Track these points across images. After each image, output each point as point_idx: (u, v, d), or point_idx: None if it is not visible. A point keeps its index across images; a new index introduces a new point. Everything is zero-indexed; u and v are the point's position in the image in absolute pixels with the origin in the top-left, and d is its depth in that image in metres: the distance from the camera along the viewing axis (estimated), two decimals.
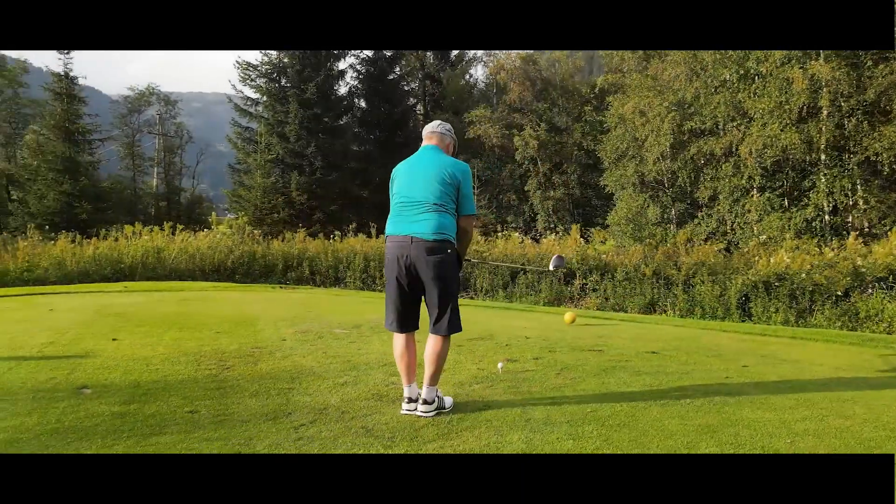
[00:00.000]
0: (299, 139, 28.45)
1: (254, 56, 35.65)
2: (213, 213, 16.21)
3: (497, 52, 33.04)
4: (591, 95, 30.67)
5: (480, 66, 36.81)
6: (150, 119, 42.84)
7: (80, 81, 30.19)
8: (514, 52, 31.81)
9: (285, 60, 29.42)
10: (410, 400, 3.74)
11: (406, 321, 3.81)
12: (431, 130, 3.98)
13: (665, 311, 11.04)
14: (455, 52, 36.97)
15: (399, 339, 3.83)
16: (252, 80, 29.59)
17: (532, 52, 32.00)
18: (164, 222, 15.38)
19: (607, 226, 22.27)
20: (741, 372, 5.04)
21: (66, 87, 28.79)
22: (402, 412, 3.73)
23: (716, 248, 13.56)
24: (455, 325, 3.74)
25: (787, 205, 18.87)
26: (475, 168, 29.45)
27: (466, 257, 4.24)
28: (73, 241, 14.13)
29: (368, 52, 32.74)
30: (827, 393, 4.37)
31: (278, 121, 28.84)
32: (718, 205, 20.92)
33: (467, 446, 3.22)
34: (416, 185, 3.72)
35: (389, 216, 3.84)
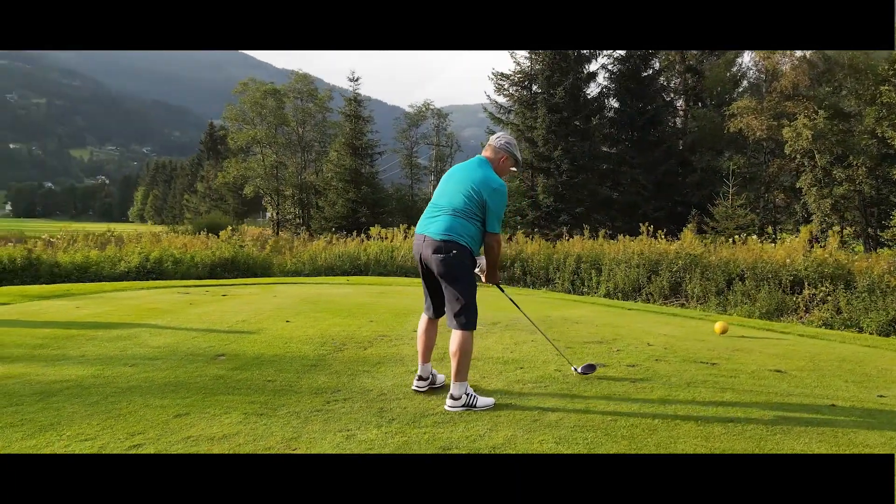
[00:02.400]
0: (546, 143, 29.14)
1: (507, 66, 36.98)
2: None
3: None
4: (891, 72, 25.64)
5: (748, 54, 33.23)
6: (427, 131, 47.70)
7: (388, 101, 35.22)
8: None
9: (536, 67, 30.43)
10: (420, 378, 4.20)
11: (431, 306, 4.18)
12: (489, 143, 4.20)
13: None
14: None
15: (422, 321, 4.26)
16: (505, 89, 31.19)
17: None
18: (400, 224, 17.29)
19: (885, 227, 18.58)
20: (868, 401, 4.18)
21: (354, 109, 33.79)
22: (413, 388, 4.21)
23: None
24: (465, 321, 3.91)
25: None
26: (736, 164, 26.88)
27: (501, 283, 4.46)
28: (355, 240, 16.86)
29: (621, 51, 32.04)
30: None
31: (527, 126, 29.92)
32: None
33: (452, 435, 3.42)
34: (445, 192, 4.03)
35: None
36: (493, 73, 31.37)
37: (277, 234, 36.33)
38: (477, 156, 4.20)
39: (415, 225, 4.63)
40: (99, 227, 34.61)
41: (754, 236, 15.65)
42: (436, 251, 3.89)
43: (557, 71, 29.63)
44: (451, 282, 3.92)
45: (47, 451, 3.09)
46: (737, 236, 15.76)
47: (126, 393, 4.06)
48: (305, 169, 43.57)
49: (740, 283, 11.69)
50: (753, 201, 28.89)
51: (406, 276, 14.41)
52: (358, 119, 33.74)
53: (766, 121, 27.10)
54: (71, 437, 3.26)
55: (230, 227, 16.48)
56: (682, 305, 12.49)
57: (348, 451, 3.15)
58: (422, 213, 4.25)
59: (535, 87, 30.75)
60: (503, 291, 4.81)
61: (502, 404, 3.97)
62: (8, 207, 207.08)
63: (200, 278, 12.90)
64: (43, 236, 17.43)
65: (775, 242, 14.24)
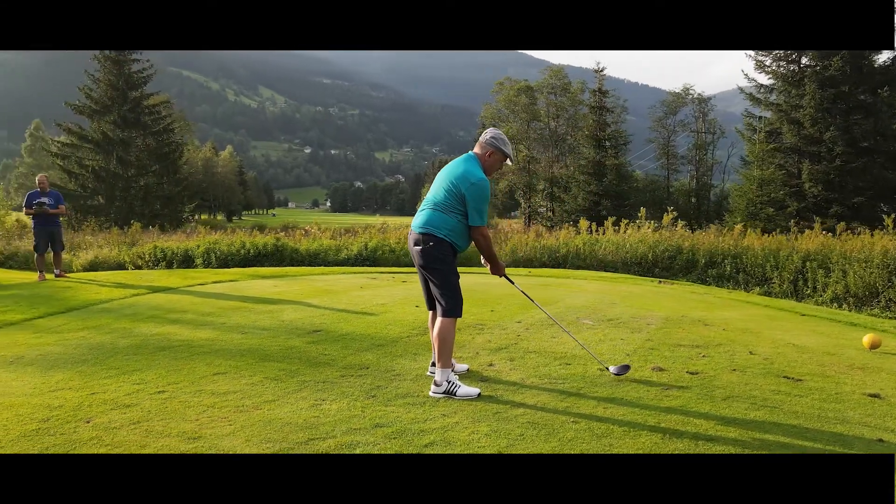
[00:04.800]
0: (815, 123, 25.24)
1: None
2: (642, 209, 16.61)
3: None
4: None
5: None
6: (685, 119, 44.57)
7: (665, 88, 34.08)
8: None
9: None
10: (434, 364, 4.33)
11: (427, 300, 4.32)
12: (480, 139, 4.26)
13: None
14: None
15: (430, 315, 4.43)
16: (766, 66, 27.74)
17: None
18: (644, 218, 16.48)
19: None
20: None
21: (598, 101, 33.25)
22: (427, 373, 4.45)
23: None
24: (446, 308, 4.04)
25: None
26: None
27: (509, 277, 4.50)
28: (561, 232, 17.07)
29: None
30: None
31: (791, 105, 26.26)
32: None
33: (402, 416, 3.63)
34: (432, 188, 4.20)
35: None
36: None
37: (528, 227, 37.51)
38: (468, 152, 4.27)
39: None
40: (377, 220, 39.70)
41: None
42: (415, 244, 4.10)
43: None
44: (430, 272, 4.08)
45: (106, 384, 4.09)
46: None
47: (208, 353, 5.03)
48: (557, 162, 44.08)
49: None
50: None
51: (602, 270, 14.03)
52: (602, 110, 33.13)
53: None
54: (131, 381, 4.24)
55: None
56: (887, 309, 10.12)
57: (301, 416, 3.56)
58: (675, 205, 4.36)
59: (804, 60, 26.78)
60: (513, 283, 4.75)
61: (487, 395, 4.01)
62: (328, 203, 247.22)
63: (407, 266, 14.26)
64: (307, 226, 20.86)
65: None
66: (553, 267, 14.72)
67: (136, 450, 3.05)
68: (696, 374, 4.53)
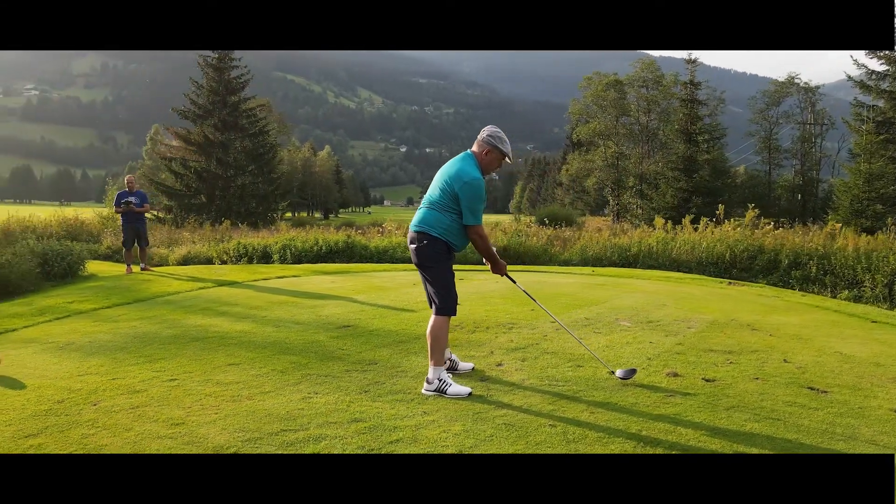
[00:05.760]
0: None
1: None
2: (720, 206, 15.62)
3: None
4: None
5: None
6: (790, 109, 41.69)
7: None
8: None
9: None
10: None
11: (428, 298, 4.34)
12: (478, 136, 4.22)
13: None
14: None
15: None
16: (879, 50, 25.46)
17: None
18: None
19: None
20: None
21: (690, 93, 31.74)
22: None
23: None
24: (439, 306, 4.05)
25: None
26: None
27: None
28: (637, 230, 16.54)
29: None
30: None
31: None
32: None
33: (381, 412, 3.68)
34: (430, 187, 4.23)
35: None
36: None
37: (616, 223, 36.44)
38: (466, 150, 4.23)
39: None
40: None
41: None
42: (411, 241, 4.13)
43: None
44: (424, 270, 4.11)
45: (130, 370, 4.40)
46: None
47: (234, 345, 5.29)
48: (648, 158, 42.52)
49: None
50: None
51: (675, 271, 13.42)
52: (694, 103, 31.56)
53: None
54: (153, 369, 4.55)
55: (509, 219, 17.48)
56: None
57: (286, 408, 3.69)
58: (778, 202, 4.21)
59: None
60: (515, 283, 4.66)
61: (479, 395, 3.98)
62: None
63: (474, 264, 14.27)
64: (384, 224, 21.33)
65: None
66: (623, 266, 14.26)
67: (122, 432, 3.28)
68: (712, 381, 4.28)
